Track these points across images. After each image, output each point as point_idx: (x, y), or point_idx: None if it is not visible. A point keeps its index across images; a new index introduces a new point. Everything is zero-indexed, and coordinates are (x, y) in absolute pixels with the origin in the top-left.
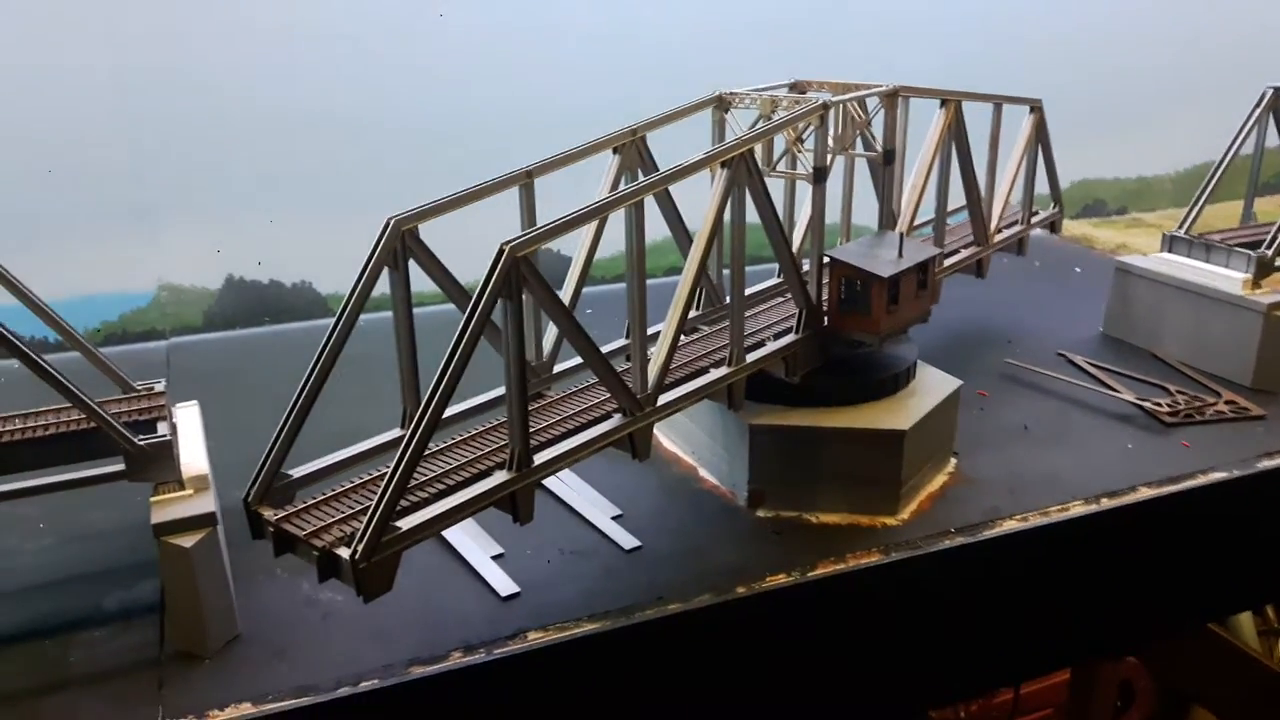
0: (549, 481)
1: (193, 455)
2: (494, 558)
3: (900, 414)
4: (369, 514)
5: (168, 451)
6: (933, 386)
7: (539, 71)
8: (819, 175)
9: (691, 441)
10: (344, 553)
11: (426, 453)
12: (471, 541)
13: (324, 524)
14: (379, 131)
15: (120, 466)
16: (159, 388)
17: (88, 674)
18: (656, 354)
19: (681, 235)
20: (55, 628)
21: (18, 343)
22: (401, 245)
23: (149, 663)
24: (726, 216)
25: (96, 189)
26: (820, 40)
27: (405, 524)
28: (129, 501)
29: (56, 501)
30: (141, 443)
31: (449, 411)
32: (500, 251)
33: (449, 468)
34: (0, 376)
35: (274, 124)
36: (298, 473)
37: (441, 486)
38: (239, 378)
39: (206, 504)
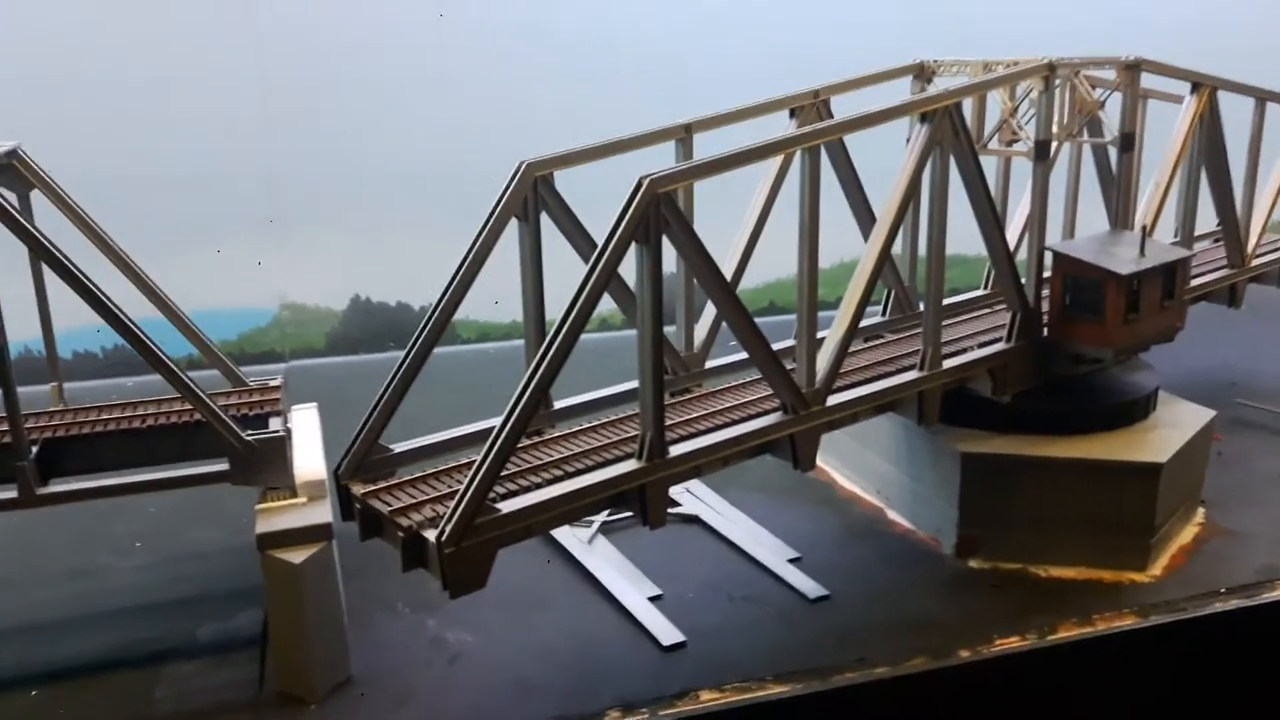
0: (711, 519)
1: (308, 459)
2: (650, 599)
3: (1151, 446)
4: (461, 491)
5: (279, 450)
6: (1180, 418)
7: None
8: (1041, 150)
9: (875, 478)
10: (431, 535)
11: (547, 437)
12: (625, 581)
13: (414, 502)
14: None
15: (224, 467)
16: (274, 382)
17: (173, 713)
18: (828, 342)
19: (864, 215)
20: (143, 658)
21: (119, 313)
22: (534, 193)
23: (245, 705)
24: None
25: (225, 201)
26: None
27: (505, 507)
28: (236, 519)
29: (156, 518)
30: (250, 438)
31: (581, 400)
32: (637, 185)
33: (567, 455)
34: (114, 395)
35: (417, 144)
36: (398, 448)
37: (556, 474)
38: (359, 406)
39: (322, 514)
